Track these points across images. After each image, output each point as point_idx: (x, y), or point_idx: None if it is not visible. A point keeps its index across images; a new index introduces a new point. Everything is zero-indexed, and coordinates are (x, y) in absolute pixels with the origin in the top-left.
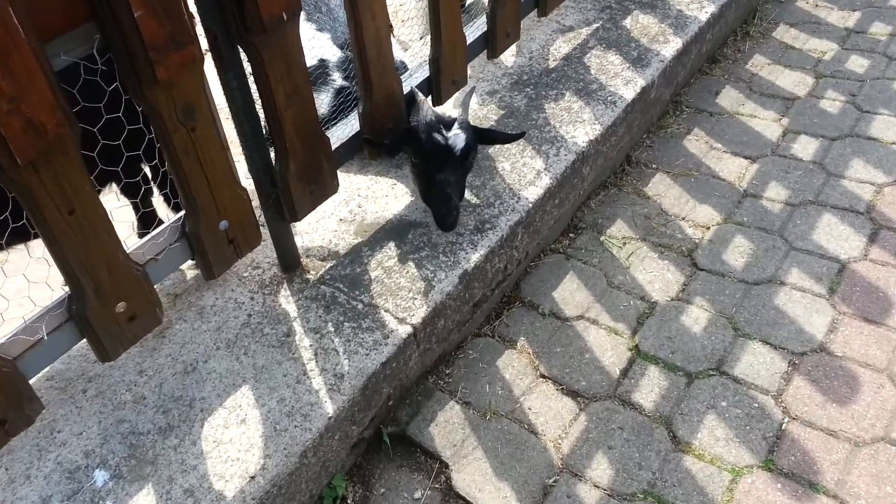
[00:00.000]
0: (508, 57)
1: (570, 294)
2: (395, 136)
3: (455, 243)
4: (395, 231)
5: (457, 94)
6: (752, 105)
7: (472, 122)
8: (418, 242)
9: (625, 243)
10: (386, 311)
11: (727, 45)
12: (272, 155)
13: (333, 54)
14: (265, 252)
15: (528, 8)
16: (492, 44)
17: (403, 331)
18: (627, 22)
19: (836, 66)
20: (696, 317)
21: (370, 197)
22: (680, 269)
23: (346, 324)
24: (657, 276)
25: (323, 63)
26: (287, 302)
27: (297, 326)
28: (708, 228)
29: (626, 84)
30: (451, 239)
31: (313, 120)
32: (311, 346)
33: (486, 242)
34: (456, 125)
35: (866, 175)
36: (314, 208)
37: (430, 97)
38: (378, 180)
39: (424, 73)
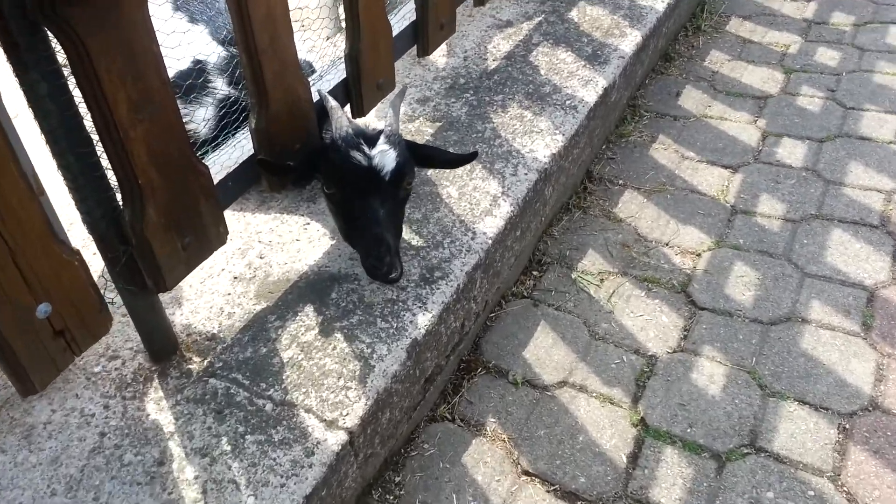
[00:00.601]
0: (439, 57)
1: (546, 352)
2: (301, 157)
3: (397, 301)
4: (312, 289)
5: (381, 102)
6: (721, 106)
7: (404, 136)
8: (346, 304)
9: (602, 280)
10: (307, 410)
11: (678, 41)
12: (119, 197)
13: (213, 52)
14: (126, 332)
15: None
16: (423, 37)
17: (335, 440)
18: (574, 14)
19: (805, 59)
20: (710, 373)
21: (275, 243)
22: (675, 309)
23: (248, 437)
24: (650, 321)
25: (199, 65)
26: (159, 409)
27: (176, 447)
28: (699, 255)
29: (584, 85)
30: (390, 295)
31: (180, 141)
32: (196, 478)
33: (438, 297)
34: (382, 139)
35: (869, 181)
36: (191, 270)
37: (347, 106)
38: (285, 220)
39: (339, 74)
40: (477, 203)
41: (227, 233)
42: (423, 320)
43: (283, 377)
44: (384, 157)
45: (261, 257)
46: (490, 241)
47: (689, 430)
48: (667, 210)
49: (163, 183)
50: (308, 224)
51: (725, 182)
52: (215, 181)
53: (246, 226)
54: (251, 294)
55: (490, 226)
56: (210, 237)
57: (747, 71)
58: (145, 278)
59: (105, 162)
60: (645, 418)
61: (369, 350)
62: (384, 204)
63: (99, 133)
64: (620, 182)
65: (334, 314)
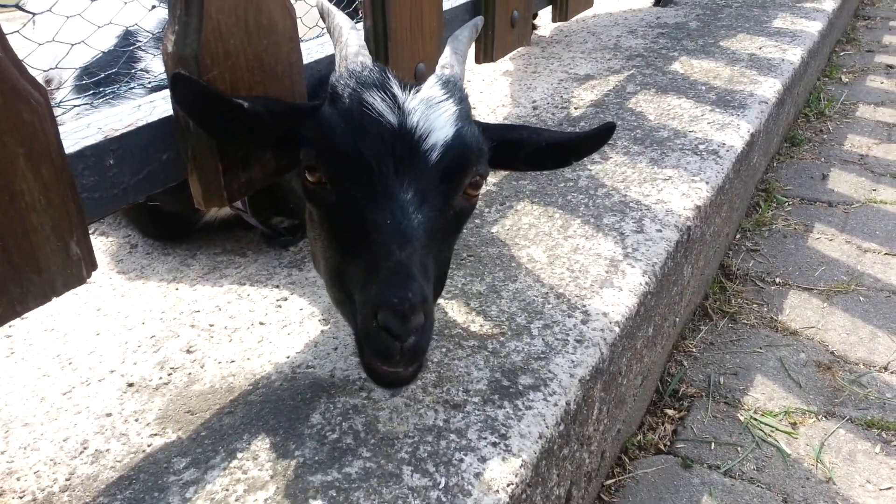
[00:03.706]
0: (498, 107)
1: None
2: (271, 104)
3: (445, 432)
4: (274, 407)
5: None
6: (890, 190)
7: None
8: (340, 435)
9: (795, 424)
10: None
11: (799, 127)
12: None
13: (152, 17)
14: None
15: None
16: None
17: None
18: (677, 67)
19: None
20: None
21: (220, 329)
22: None
23: None
24: None
25: (127, 38)
26: None
27: None
28: None
29: (720, 129)
30: (431, 420)
31: None
32: None
33: (530, 426)
34: (432, 83)
35: None
36: None
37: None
38: (245, 293)
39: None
40: (583, 269)
41: (89, 266)
42: (504, 473)
43: None
44: (431, 112)
45: (188, 351)
46: (617, 329)
47: None
48: (865, 318)
49: None
50: (284, 300)
51: None
52: (76, 147)
53: (176, 301)
54: (151, 415)
55: (613, 302)
56: (40, 261)
57: None
58: None
59: None
60: None
61: None
62: (422, 207)
63: None
64: (777, 280)
65: (312, 457)
